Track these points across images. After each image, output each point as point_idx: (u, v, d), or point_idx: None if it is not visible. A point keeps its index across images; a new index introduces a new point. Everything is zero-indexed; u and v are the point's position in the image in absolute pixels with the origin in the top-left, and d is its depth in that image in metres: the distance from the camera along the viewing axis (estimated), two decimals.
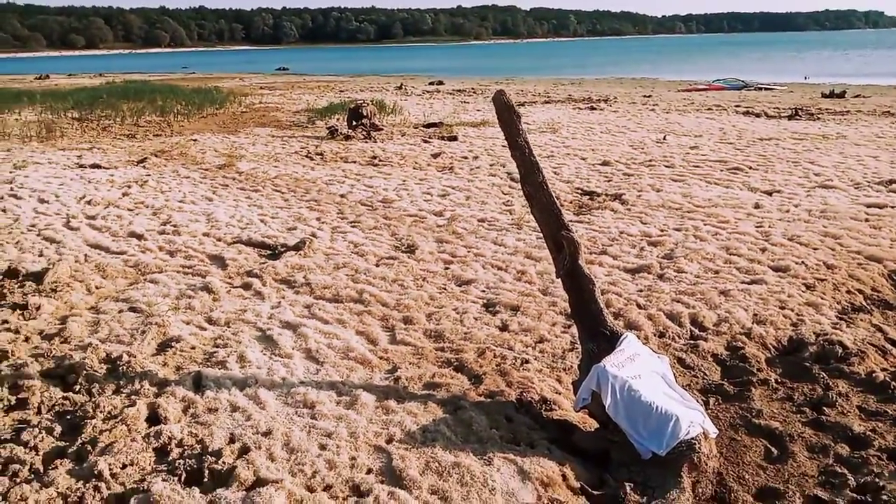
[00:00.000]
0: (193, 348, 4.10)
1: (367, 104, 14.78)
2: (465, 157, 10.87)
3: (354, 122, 13.94)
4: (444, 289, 5.13)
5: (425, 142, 12.59)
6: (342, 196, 8.29)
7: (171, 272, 5.54)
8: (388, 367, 3.89)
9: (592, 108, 18.54)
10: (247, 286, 5.19)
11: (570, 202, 7.89)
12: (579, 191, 8.46)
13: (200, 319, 4.55)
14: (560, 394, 3.63)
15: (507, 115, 3.67)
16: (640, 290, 5.01)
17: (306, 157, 11.24)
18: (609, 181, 8.98)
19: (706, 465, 2.93)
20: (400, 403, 3.42)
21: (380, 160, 10.77)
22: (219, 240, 6.49)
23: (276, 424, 3.22)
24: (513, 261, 5.72)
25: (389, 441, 3.09)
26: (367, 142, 12.67)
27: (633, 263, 5.61)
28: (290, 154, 11.50)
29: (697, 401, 3.33)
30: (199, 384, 3.65)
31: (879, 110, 17.11)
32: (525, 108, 18.93)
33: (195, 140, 13.17)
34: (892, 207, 7.17)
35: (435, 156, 11.05)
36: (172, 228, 6.88)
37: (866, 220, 6.74)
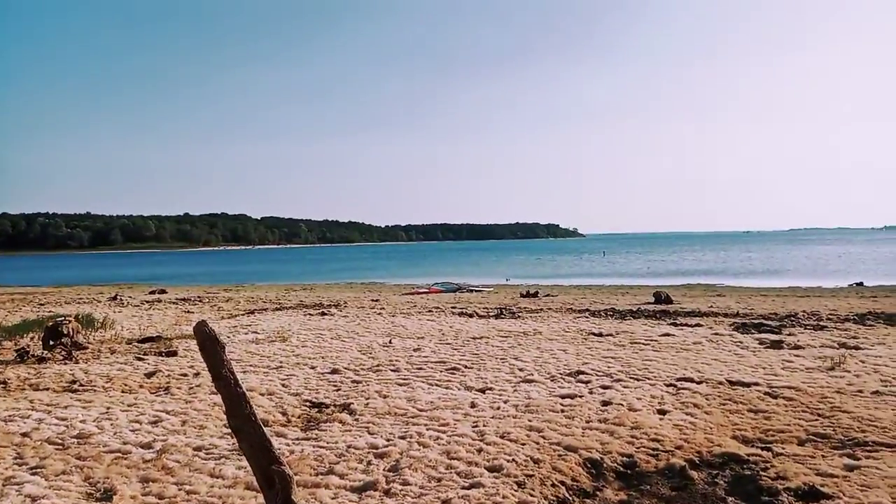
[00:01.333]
0: None
1: (70, 319, 13.23)
2: (185, 375, 10.09)
3: (52, 342, 12.28)
4: None
5: (139, 359, 11.50)
6: (24, 435, 6.97)
7: None
8: None
9: (323, 314, 18.96)
10: None
11: (299, 416, 7.62)
12: (308, 403, 8.26)
13: None
14: None
15: (210, 346, 3.54)
16: None
17: None
18: (338, 390, 8.97)
19: None
20: None
21: (80, 384, 9.47)
22: None
23: None
24: (231, 494, 5.20)
25: None
26: (66, 363, 11.15)
27: (360, 480, 5.48)
28: None
29: None
30: None
31: (564, 307, 20.26)
32: (255, 316, 18.66)
33: None
34: (581, 397, 8.21)
35: (149, 375, 10.08)
36: None
37: (562, 410, 7.59)
